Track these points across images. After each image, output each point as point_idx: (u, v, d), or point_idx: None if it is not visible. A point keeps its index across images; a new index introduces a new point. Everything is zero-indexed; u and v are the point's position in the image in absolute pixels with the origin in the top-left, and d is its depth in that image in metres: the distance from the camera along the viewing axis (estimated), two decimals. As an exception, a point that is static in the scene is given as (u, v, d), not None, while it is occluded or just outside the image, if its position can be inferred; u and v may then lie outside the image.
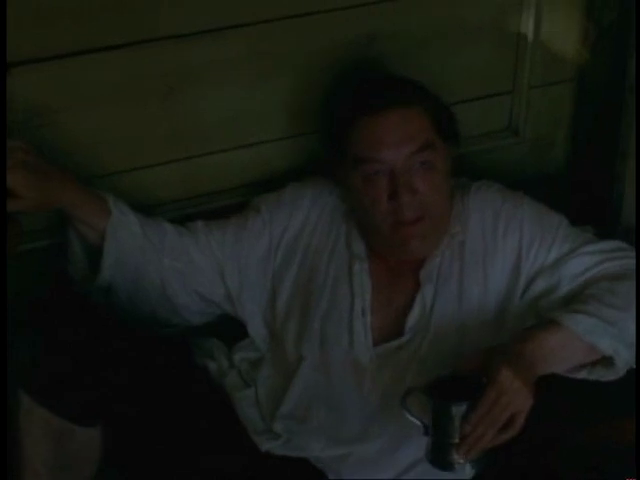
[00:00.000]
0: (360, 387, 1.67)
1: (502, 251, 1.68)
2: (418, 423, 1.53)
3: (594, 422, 1.75)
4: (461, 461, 1.49)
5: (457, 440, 1.47)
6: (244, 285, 1.77)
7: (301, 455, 1.66)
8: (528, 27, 1.91)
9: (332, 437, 1.65)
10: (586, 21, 1.94)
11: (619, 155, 1.91)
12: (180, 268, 1.73)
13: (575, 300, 1.58)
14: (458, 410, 1.47)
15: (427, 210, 1.63)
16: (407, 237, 1.64)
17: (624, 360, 1.53)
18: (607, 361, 1.54)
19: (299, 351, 1.70)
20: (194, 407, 1.65)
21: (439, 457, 1.51)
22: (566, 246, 1.66)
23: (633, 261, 1.64)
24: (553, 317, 1.53)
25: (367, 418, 1.66)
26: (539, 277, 1.65)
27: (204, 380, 1.75)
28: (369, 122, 1.62)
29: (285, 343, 1.73)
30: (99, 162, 1.74)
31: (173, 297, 1.74)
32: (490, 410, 1.44)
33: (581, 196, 2.00)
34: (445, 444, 1.49)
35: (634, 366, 1.57)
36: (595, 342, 1.51)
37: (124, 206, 1.68)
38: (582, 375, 1.56)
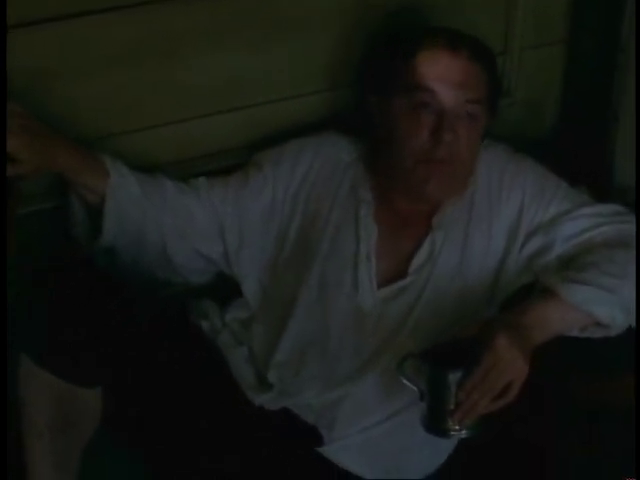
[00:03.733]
0: (360, 332, 1.68)
1: (505, 209, 1.70)
2: (414, 388, 1.55)
3: (588, 377, 1.77)
4: (456, 428, 1.51)
5: (452, 407, 1.49)
6: (244, 242, 1.77)
7: (295, 403, 1.67)
8: (520, -13, 1.91)
9: (326, 382, 1.67)
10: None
11: (611, 116, 1.92)
12: (180, 225, 1.73)
13: (573, 266, 1.60)
14: (454, 377, 1.48)
15: (458, 157, 1.64)
16: (429, 175, 1.64)
17: (619, 325, 1.56)
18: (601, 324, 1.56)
19: (295, 296, 1.71)
20: (191, 364, 1.66)
21: (434, 424, 1.53)
22: (564, 206, 1.68)
23: (630, 226, 1.65)
24: (550, 286, 1.55)
25: (363, 360, 1.67)
26: (535, 235, 1.67)
27: (199, 338, 1.75)
28: (437, 55, 1.64)
29: (282, 291, 1.74)
30: (97, 124, 1.73)
31: (173, 256, 1.74)
32: (485, 377, 1.46)
33: (573, 157, 1.99)
34: (440, 411, 1.51)
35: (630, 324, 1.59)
36: (592, 311, 1.53)
37: (123, 167, 1.68)
38: (573, 334, 1.58)
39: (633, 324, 1.58)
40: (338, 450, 1.68)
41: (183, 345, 1.67)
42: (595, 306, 1.53)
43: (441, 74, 1.63)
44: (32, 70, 1.61)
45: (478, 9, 1.92)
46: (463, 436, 1.53)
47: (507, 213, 1.70)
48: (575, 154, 2.01)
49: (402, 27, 1.83)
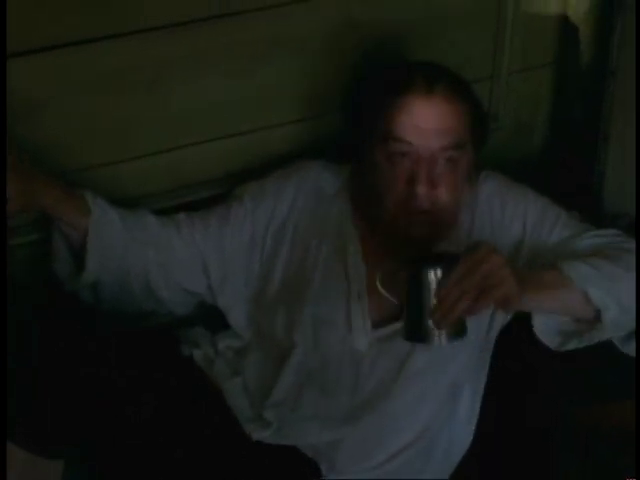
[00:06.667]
0: (356, 372, 1.65)
1: (507, 239, 1.67)
2: (395, 301, 1.52)
3: (586, 403, 1.76)
4: (435, 330, 1.44)
5: (432, 307, 1.42)
6: (227, 276, 1.75)
7: (293, 443, 1.65)
8: (507, 11, 1.91)
9: (324, 422, 1.64)
10: (566, 6, 1.94)
11: (600, 139, 1.91)
12: (163, 261, 1.71)
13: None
14: (433, 273, 1.43)
15: (438, 204, 1.60)
16: (410, 224, 1.60)
17: (612, 318, 1.50)
18: (595, 322, 1.52)
19: (290, 337, 1.68)
20: (183, 401, 1.62)
21: (414, 328, 1.47)
22: (566, 232, 1.66)
23: (631, 245, 1.62)
24: (552, 262, 1.53)
25: (359, 402, 1.64)
26: (538, 260, 1.65)
27: (190, 372, 1.72)
28: (411, 102, 1.58)
29: (274, 329, 1.70)
30: (84, 155, 1.71)
31: (157, 290, 1.73)
32: (469, 273, 1.39)
33: (561, 181, 1.99)
34: (420, 312, 1.44)
35: (625, 331, 1.56)
36: (586, 289, 1.48)
37: (104, 203, 1.66)
38: (572, 344, 1.54)
39: (625, 328, 1.54)
40: None
41: (174, 382, 1.64)
42: (590, 285, 1.48)
43: (416, 123, 1.58)
44: (16, 100, 1.58)
45: (466, 33, 1.91)
46: (444, 341, 1.45)
47: (507, 243, 1.67)
48: (564, 177, 2.00)
49: (386, 56, 1.83)
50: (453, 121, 1.60)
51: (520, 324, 1.60)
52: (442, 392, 1.67)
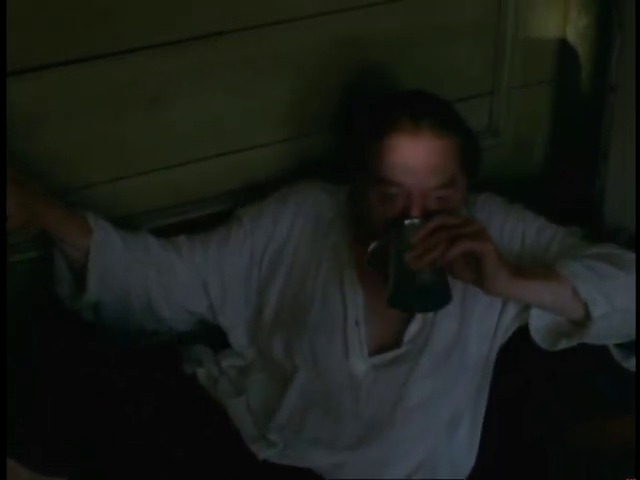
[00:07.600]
0: (356, 398, 1.65)
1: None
2: (381, 275, 1.51)
3: (586, 420, 1.75)
4: (418, 295, 1.44)
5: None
6: (227, 297, 1.76)
7: (298, 465, 1.64)
8: (507, 28, 1.91)
9: (328, 445, 1.64)
10: (565, 22, 1.94)
11: (600, 155, 1.91)
12: (164, 282, 1.72)
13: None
14: (411, 223, 1.47)
15: None
16: None
17: (601, 315, 1.48)
18: (584, 321, 1.51)
19: (292, 362, 1.68)
20: (188, 420, 1.62)
21: (397, 293, 1.47)
22: (565, 248, 1.65)
23: (630, 256, 1.61)
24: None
25: (362, 428, 1.64)
26: None
27: (193, 390, 1.72)
28: (399, 143, 1.54)
29: (274, 352, 1.70)
30: (84, 170, 1.72)
31: (158, 311, 1.73)
32: (445, 225, 1.42)
33: (562, 197, 1.99)
34: (402, 276, 1.46)
35: (621, 336, 1.55)
36: (576, 285, 1.48)
37: (105, 223, 1.66)
38: (564, 343, 1.53)
39: (621, 332, 1.54)
40: None
41: (178, 400, 1.64)
42: (579, 279, 1.48)
43: (405, 163, 1.54)
44: (16, 115, 1.59)
45: (465, 50, 1.92)
46: (425, 283, 1.44)
47: None
48: (564, 192, 2.01)
49: (386, 73, 1.84)
50: (443, 157, 1.56)
51: (519, 338, 1.60)
52: (443, 421, 1.66)
